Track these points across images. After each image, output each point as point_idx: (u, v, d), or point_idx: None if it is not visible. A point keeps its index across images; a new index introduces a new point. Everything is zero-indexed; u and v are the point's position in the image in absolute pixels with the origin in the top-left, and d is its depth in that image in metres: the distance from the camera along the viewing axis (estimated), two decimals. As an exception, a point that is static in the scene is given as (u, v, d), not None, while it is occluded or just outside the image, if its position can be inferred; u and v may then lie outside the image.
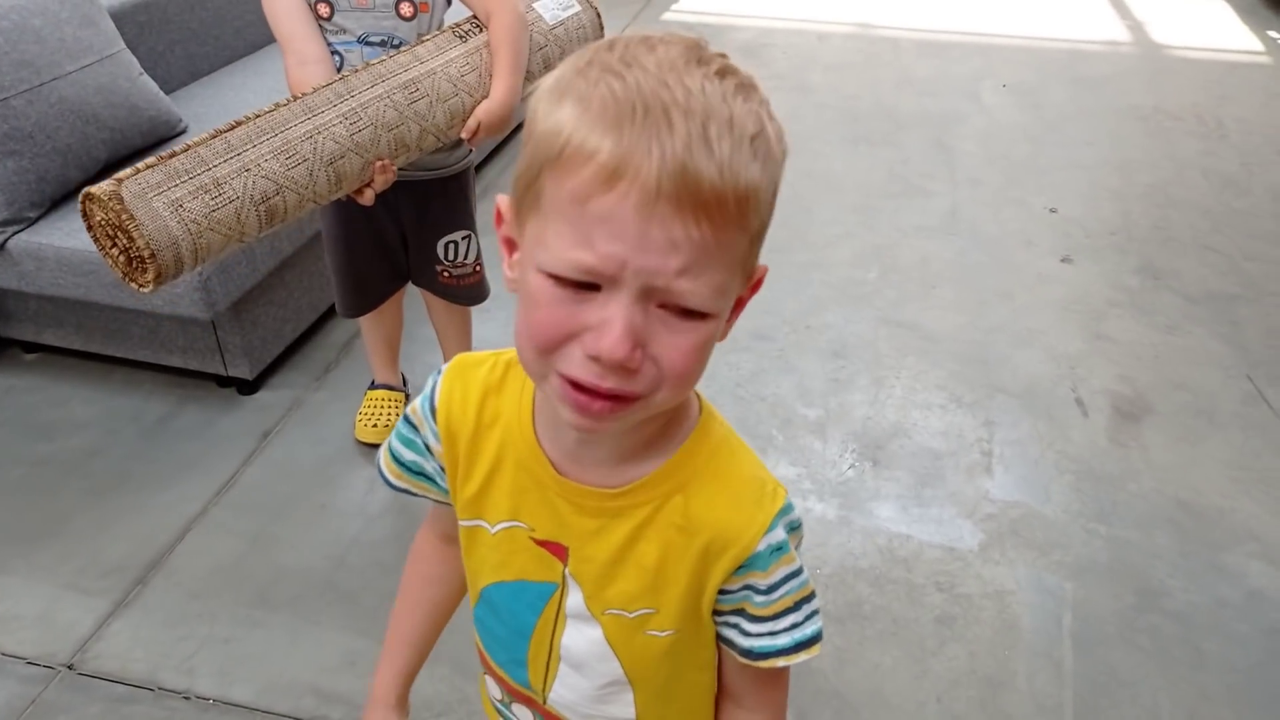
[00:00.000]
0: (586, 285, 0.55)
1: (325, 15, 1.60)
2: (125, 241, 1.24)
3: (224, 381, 2.22)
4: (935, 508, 1.96)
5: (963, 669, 1.63)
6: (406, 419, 0.78)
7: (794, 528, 0.71)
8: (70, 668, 1.60)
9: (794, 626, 0.71)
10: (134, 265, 1.26)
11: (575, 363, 0.57)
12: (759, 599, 0.70)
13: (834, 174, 3.34)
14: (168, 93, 2.50)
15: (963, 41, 4.74)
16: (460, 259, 1.88)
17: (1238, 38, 4.84)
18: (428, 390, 0.76)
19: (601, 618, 0.73)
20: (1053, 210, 3.12)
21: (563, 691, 0.77)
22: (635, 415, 0.61)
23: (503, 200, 0.63)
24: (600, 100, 0.54)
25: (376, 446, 2.04)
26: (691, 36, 0.58)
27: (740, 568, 0.68)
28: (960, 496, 1.99)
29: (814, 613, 0.72)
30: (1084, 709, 1.57)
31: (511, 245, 0.63)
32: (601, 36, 1.78)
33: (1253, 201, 3.19)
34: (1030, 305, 2.62)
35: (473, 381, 0.74)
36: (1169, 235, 2.98)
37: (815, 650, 0.72)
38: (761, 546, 0.68)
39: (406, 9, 1.62)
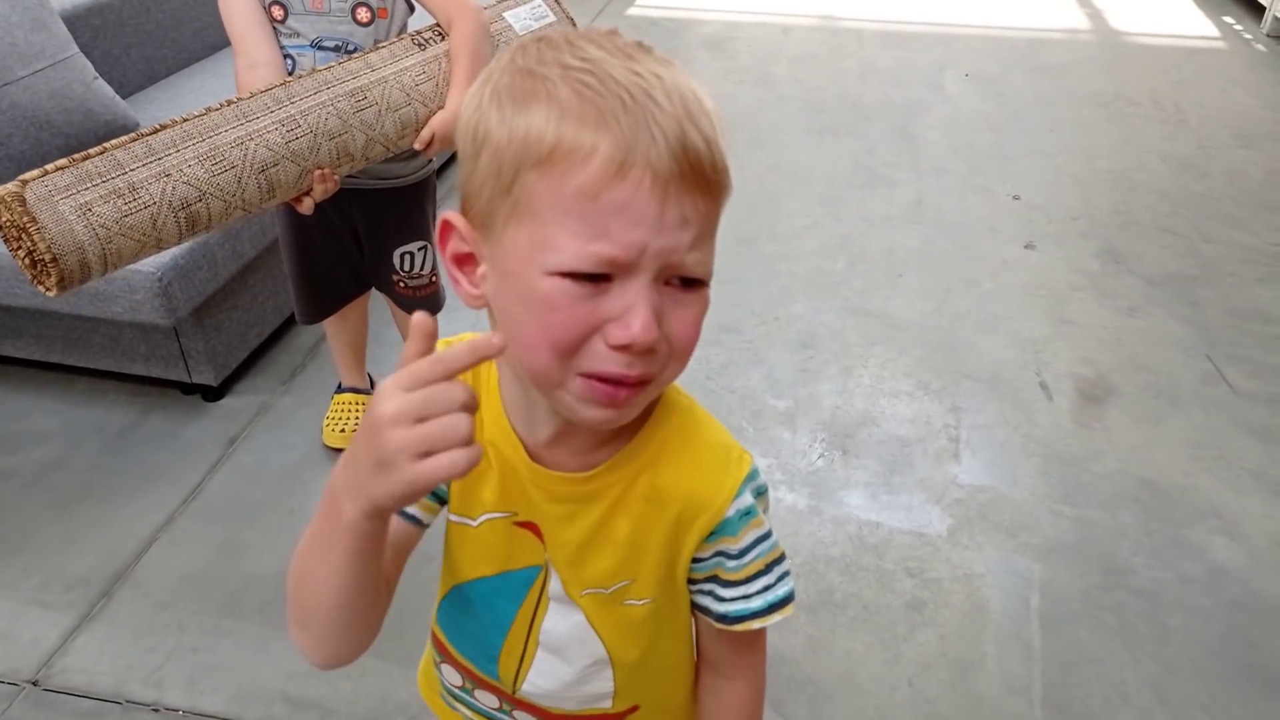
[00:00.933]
0: (601, 277, 0.56)
1: (279, 18, 1.58)
2: (29, 244, 1.20)
3: (188, 389, 2.20)
4: (904, 494, 1.98)
5: (933, 652, 1.65)
6: None
7: (761, 492, 0.72)
8: (35, 684, 1.58)
9: (766, 589, 0.72)
10: (39, 269, 1.22)
11: (599, 357, 0.57)
12: (731, 564, 0.71)
13: (800, 165, 3.35)
14: (124, 96, 2.48)
15: (925, 32, 4.77)
16: (416, 269, 1.85)
17: (1195, 24, 4.90)
18: None
19: (581, 599, 0.73)
20: (1016, 197, 3.15)
21: (538, 681, 0.77)
22: (648, 397, 0.62)
23: (454, 218, 0.61)
24: (577, 97, 0.54)
25: (344, 450, 2.03)
26: (594, 29, 0.61)
27: (711, 534, 0.70)
28: (929, 482, 2.00)
29: (785, 574, 0.73)
30: (1053, 687, 1.59)
31: (467, 260, 0.62)
32: None
33: (1210, 184, 3.24)
34: (995, 291, 2.65)
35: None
36: (1130, 219, 3.02)
37: (788, 610, 0.73)
38: (731, 512, 0.69)
39: (363, 14, 1.59)
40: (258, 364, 2.32)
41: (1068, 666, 1.62)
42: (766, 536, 0.72)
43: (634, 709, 0.80)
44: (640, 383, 0.59)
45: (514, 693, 0.79)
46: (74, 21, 2.37)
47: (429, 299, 1.94)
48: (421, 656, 0.92)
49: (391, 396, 0.51)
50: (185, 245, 1.96)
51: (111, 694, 1.56)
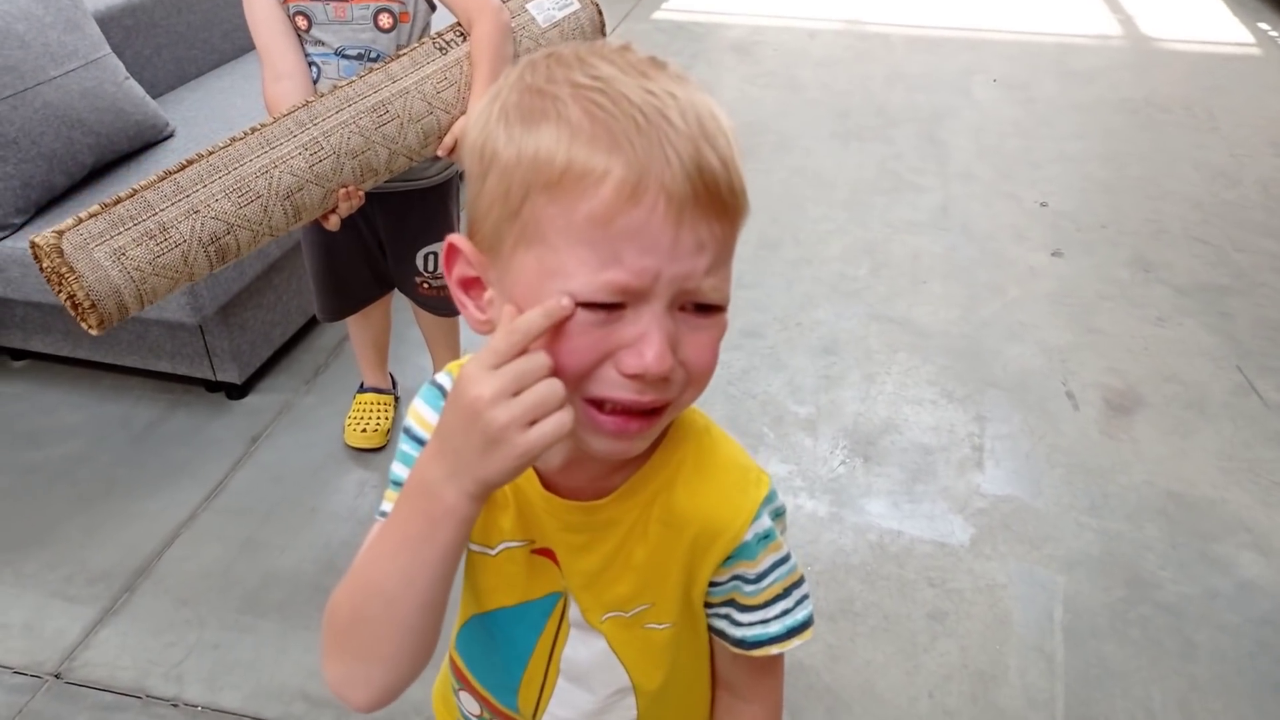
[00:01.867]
0: (614, 305, 0.54)
1: (304, 28, 1.58)
2: (69, 290, 1.25)
3: (213, 386, 2.22)
4: (926, 503, 1.96)
5: (954, 664, 1.63)
6: (407, 431, 0.72)
7: (779, 514, 0.70)
8: (58, 676, 1.59)
9: (785, 613, 0.71)
10: (79, 310, 1.27)
11: (611, 383, 0.56)
12: (748, 588, 0.70)
13: (825, 170, 3.33)
14: (155, 97, 2.50)
15: (953, 36, 4.73)
16: (440, 270, 1.86)
17: (1228, 30, 4.84)
18: (432, 390, 0.72)
19: (602, 625, 0.72)
20: (1044, 204, 3.12)
21: (558, 711, 0.76)
22: (663, 423, 0.60)
23: (460, 241, 0.60)
24: (588, 117, 0.52)
25: (365, 450, 2.04)
26: (606, 45, 0.59)
27: (729, 558, 0.68)
28: (951, 491, 1.98)
29: (804, 598, 0.72)
30: (1075, 702, 1.56)
31: (474, 284, 0.61)
32: (602, 36, 1.74)
33: (1242, 193, 3.19)
34: (1021, 299, 2.62)
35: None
36: (1159, 227, 2.98)
37: (807, 635, 0.71)
38: (749, 536, 0.67)
39: (385, 20, 1.59)
40: (281, 363, 2.33)
41: (1091, 681, 1.60)
42: (785, 560, 0.70)
43: None
44: (654, 410, 0.57)
45: None
46: (106, 22, 2.40)
47: (450, 300, 1.94)
48: (437, 676, 0.91)
49: (482, 378, 0.52)
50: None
51: (132, 688, 1.57)
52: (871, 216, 3.04)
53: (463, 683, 0.82)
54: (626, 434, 0.58)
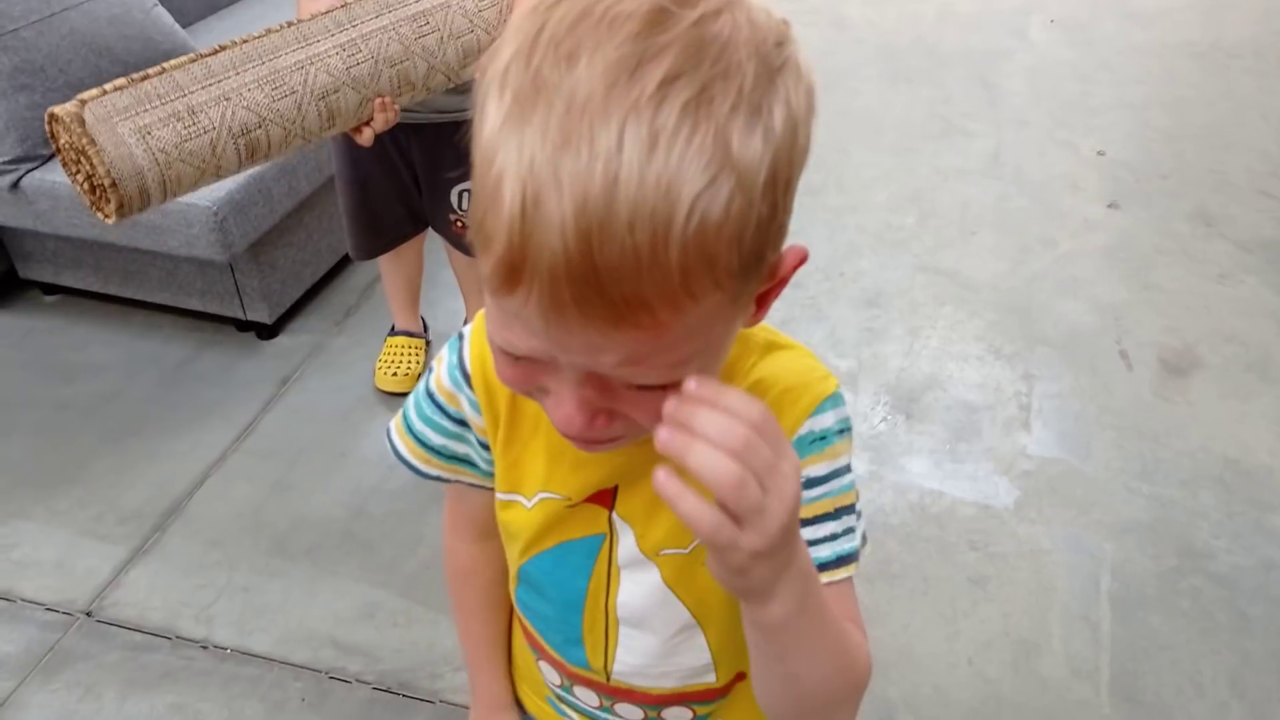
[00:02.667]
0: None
1: None
2: (88, 168, 1.16)
3: (243, 325, 2.19)
4: (970, 463, 1.90)
5: (996, 630, 1.58)
6: (430, 396, 0.70)
7: (844, 429, 0.63)
8: (89, 614, 1.59)
9: (833, 538, 0.62)
10: (97, 194, 1.18)
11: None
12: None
13: (871, 113, 3.21)
14: (184, 25, 2.43)
15: (1009, -27, 4.52)
16: None
17: (1302, -31, 4.58)
18: (453, 358, 0.68)
19: (657, 559, 0.67)
20: (1101, 153, 2.98)
21: (627, 659, 0.72)
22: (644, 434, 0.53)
23: None
24: (519, 156, 0.42)
25: (396, 395, 2.00)
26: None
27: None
28: (996, 452, 1.92)
29: (851, 528, 0.63)
30: (1121, 673, 1.52)
31: None
32: None
33: (1314, 144, 3.04)
34: (1074, 253, 2.52)
35: None
36: (1223, 179, 2.84)
37: (851, 569, 0.63)
38: (803, 430, 0.61)
39: None
40: (312, 303, 2.29)
41: (1138, 653, 1.55)
42: (839, 474, 0.62)
43: (740, 678, 0.73)
44: (612, 440, 0.52)
45: (608, 680, 0.73)
46: (134, -54, 2.32)
47: None
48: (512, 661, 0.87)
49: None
50: (241, 179, 1.93)
51: (162, 629, 1.57)
52: (919, 163, 2.93)
53: (535, 648, 0.78)
54: (596, 449, 0.54)
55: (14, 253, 2.23)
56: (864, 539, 0.65)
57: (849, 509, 0.63)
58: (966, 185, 2.82)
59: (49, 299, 2.31)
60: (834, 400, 0.62)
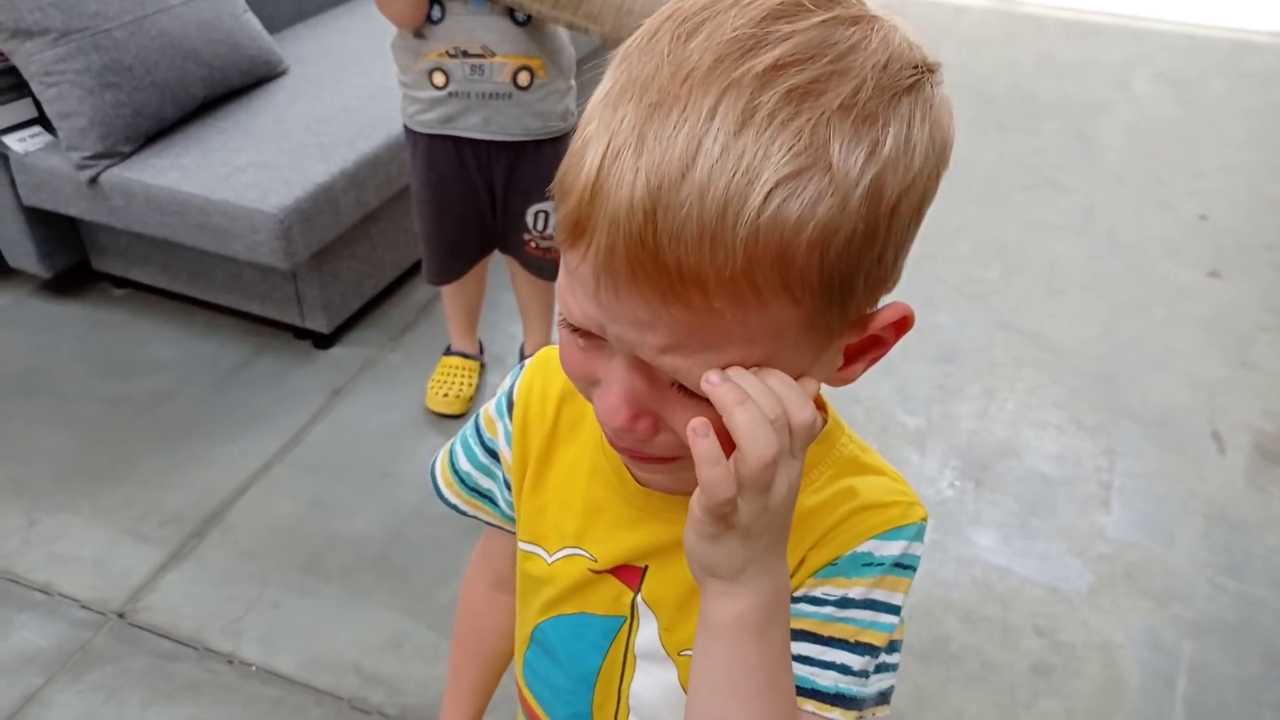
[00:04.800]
0: (589, 333, 0.46)
1: None
2: None
3: (300, 333, 2.18)
4: (1041, 541, 1.78)
5: (1057, 728, 1.47)
6: (476, 424, 0.69)
7: (907, 565, 0.55)
8: (121, 616, 1.57)
9: (843, 671, 0.54)
10: None
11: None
12: (819, 611, 0.54)
13: (959, 159, 3.01)
14: (272, 33, 2.45)
15: (1114, 24, 4.37)
16: (549, 230, 1.77)
17: None
18: (506, 387, 0.67)
19: (677, 659, 0.61)
20: (1203, 217, 2.83)
21: None
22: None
23: None
24: (634, 110, 0.41)
25: (446, 417, 1.97)
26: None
27: (824, 568, 0.54)
28: (1071, 531, 1.80)
29: (868, 673, 0.54)
30: (1195, 792, 1.39)
31: None
32: None
33: None
34: (1169, 322, 2.38)
35: (557, 378, 0.63)
36: (1336, 254, 2.67)
37: (851, 717, 0.54)
38: (861, 548, 0.54)
39: None
40: (370, 315, 2.28)
41: (1216, 770, 1.42)
42: (886, 609, 0.55)
43: None
44: (659, 460, 0.49)
45: None
46: (231, -49, 2.35)
47: (558, 264, 1.85)
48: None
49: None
50: (309, 188, 1.93)
51: (191, 638, 1.54)
52: (1007, 215, 2.81)
53: None
54: (638, 463, 0.52)
55: (89, 245, 2.26)
56: (884, 697, 0.56)
57: (873, 651, 0.54)
58: (1056, 241, 2.69)
59: (118, 292, 2.33)
60: (912, 532, 0.55)
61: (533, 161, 1.69)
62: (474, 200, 1.74)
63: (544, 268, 1.83)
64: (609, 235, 0.40)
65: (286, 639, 1.55)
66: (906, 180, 0.43)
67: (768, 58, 0.40)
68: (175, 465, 1.86)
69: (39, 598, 1.59)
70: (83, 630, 1.55)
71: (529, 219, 1.76)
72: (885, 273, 0.45)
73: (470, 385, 2.00)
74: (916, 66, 0.43)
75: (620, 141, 0.40)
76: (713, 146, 0.39)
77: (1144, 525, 1.82)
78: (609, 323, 0.44)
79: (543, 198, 1.74)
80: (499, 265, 1.92)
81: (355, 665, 1.51)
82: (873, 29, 0.43)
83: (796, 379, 0.45)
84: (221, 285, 2.15)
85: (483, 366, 2.07)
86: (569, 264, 0.45)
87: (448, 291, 1.97)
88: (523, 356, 2.05)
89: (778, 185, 0.39)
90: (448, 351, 2.04)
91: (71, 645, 1.53)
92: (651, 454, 0.50)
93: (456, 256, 1.84)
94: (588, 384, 0.50)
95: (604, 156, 0.41)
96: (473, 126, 1.62)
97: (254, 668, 1.50)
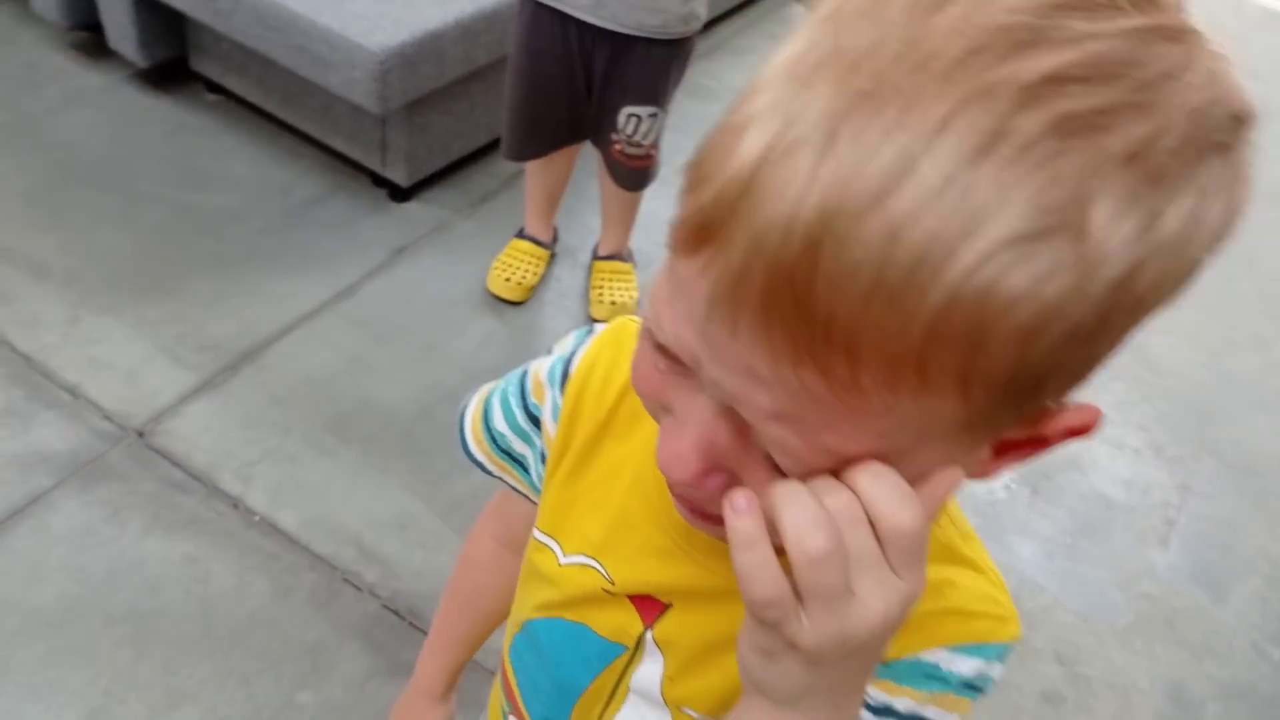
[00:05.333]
0: (673, 356, 0.35)
1: None
2: None
3: (379, 181, 2.11)
4: (1087, 565, 1.67)
5: (1053, 766, 1.40)
6: (522, 381, 0.59)
7: (978, 687, 0.48)
8: (140, 435, 1.57)
9: None
10: None
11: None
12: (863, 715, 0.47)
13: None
14: None
15: (1314, 15, 3.95)
16: (639, 136, 1.66)
17: None
18: (565, 352, 0.56)
19: (676, 712, 0.54)
20: (1355, 253, 2.57)
21: None
22: None
23: None
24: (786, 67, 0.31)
25: (504, 301, 1.90)
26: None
27: (886, 666, 0.46)
28: (1121, 562, 1.69)
29: None
30: None
31: None
32: None
33: None
34: (1286, 361, 2.19)
35: (625, 361, 0.50)
36: None
37: None
38: (927, 656, 0.46)
39: None
40: (452, 177, 2.19)
41: None
42: None
43: None
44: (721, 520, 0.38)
45: None
46: None
47: (638, 173, 1.75)
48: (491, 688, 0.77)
49: None
50: (419, 33, 1.83)
51: (202, 473, 1.54)
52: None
53: (511, 705, 0.66)
54: (700, 524, 0.42)
55: (191, 42, 2.20)
56: None
57: None
58: (1185, 247, 2.47)
59: (210, 97, 2.28)
60: (996, 652, 0.46)
61: (639, 60, 1.57)
62: (569, 82, 1.63)
63: (623, 173, 1.73)
64: (746, 256, 0.30)
65: (295, 495, 1.53)
66: (1172, 270, 0.31)
67: (1044, 64, 0.28)
68: (225, 291, 1.83)
69: (65, 398, 1.60)
70: (101, 441, 1.55)
71: (620, 119, 1.65)
72: (1088, 371, 0.33)
73: (535, 274, 1.92)
74: (1238, 118, 0.30)
75: (800, 133, 0.29)
76: (930, 172, 0.27)
77: (1199, 572, 1.70)
78: (710, 363, 0.34)
79: (640, 100, 1.63)
80: (589, 152, 1.81)
81: (356, 537, 1.49)
82: (1198, 53, 0.30)
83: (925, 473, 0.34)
84: (311, 114, 2.08)
85: (553, 256, 1.99)
86: (677, 270, 0.34)
87: (531, 169, 1.87)
88: (595, 256, 1.95)
89: (1005, 246, 0.27)
90: (520, 234, 1.96)
91: (87, 454, 1.53)
92: (714, 512, 0.38)
93: (534, 136, 1.74)
94: (657, 406, 0.40)
95: (769, 147, 0.29)
96: (584, 7, 1.50)
97: (257, 517, 1.50)
